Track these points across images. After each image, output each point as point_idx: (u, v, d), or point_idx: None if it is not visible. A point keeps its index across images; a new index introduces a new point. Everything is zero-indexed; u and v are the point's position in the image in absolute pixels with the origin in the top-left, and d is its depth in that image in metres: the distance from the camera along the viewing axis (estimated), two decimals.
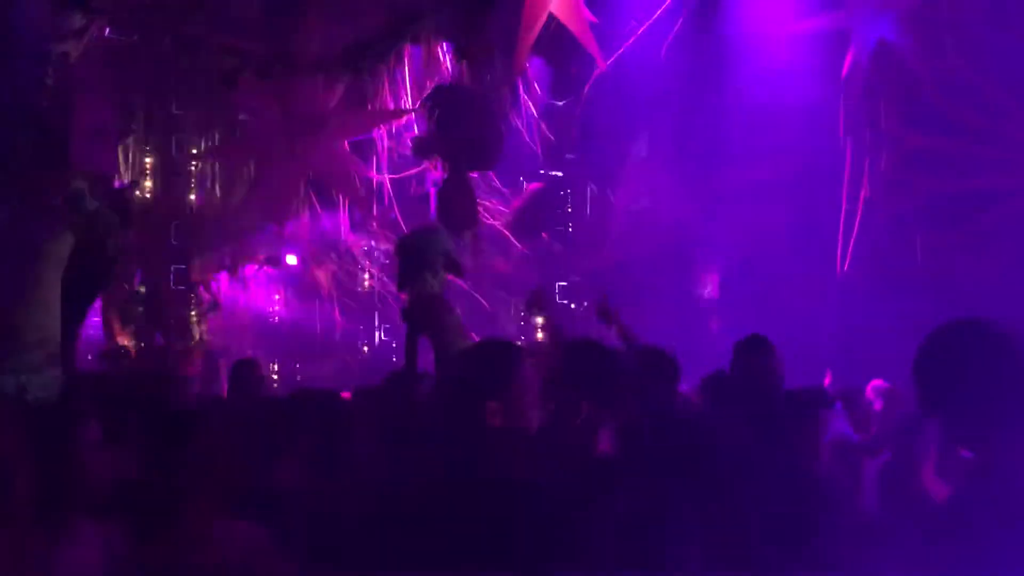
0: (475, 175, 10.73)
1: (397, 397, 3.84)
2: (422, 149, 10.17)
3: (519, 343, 3.45)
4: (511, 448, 2.42)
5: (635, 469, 2.62)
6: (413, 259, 3.93)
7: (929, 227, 10.54)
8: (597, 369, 2.97)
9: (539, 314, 3.84)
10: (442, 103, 8.99)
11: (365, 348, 13.81)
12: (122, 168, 10.93)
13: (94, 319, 10.63)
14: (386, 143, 11.29)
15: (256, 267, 13.20)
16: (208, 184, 11.23)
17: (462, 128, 8.95)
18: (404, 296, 4.02)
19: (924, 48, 10.19)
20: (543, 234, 12.38)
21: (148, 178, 10.69)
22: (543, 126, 11.38)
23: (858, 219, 10.75)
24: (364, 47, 6.21)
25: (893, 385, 6.90)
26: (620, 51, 10.28)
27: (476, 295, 11.29)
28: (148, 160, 10.67)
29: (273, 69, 6.30)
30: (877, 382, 7.31)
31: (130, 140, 10.38)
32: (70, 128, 5.97)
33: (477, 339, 3.74)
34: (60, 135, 5.87)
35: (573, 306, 13.29)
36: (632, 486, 2.56)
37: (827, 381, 7.46)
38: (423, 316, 3.90)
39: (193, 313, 11.01)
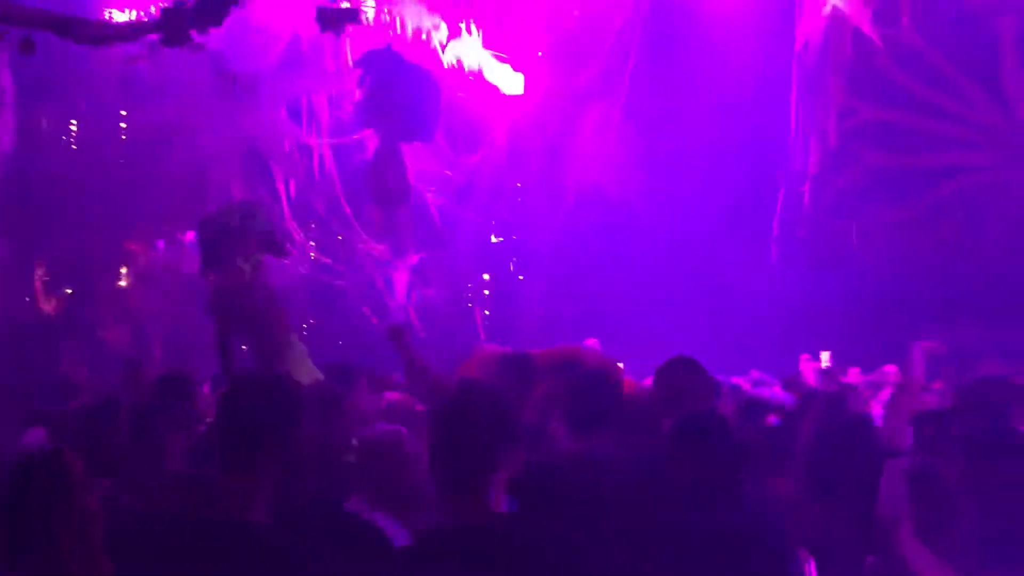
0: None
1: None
2: (359, 117, 9.75)
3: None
4: None
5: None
6: (219, 237, 3.44)
7: (872, 203, 10.30)
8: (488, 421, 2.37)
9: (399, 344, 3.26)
10: (374, 68, 8.57)
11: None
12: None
13: None
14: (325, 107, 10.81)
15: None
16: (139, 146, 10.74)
17: (395, 96, 8.53)
18: (210, 281, 3.49)
19: (879, 16, 9.91)
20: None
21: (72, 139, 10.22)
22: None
23: (806, 192, 10.51)
24: None
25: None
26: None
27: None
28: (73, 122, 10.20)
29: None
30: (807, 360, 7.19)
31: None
32: None
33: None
34: None
35: (521, 278, 12.99)
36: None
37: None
38: (234, 306, 3.44)
39: (123, 281, 10.61)
